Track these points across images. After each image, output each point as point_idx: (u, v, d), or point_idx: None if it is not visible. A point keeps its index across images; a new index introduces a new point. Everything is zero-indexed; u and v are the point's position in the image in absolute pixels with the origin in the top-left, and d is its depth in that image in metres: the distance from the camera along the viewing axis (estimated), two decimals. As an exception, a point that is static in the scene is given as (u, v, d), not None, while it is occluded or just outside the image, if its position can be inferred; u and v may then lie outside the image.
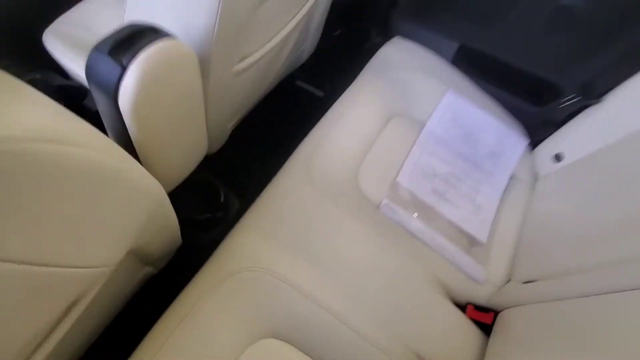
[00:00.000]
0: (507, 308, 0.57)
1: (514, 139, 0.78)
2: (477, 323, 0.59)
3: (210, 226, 0.74)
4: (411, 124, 0.75)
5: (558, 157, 0.71)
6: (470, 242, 0.68)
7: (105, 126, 0.51)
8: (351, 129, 0.69)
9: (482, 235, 0.67)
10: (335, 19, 0.91)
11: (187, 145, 0.55)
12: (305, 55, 0.97)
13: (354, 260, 0.56)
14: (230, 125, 0.76)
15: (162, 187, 0.42)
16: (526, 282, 0.57)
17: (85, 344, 0.55)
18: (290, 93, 1.16)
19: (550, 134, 0.75)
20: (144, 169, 0.38)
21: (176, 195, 0.71)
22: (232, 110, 0.69)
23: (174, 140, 0.50)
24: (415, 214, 0.65)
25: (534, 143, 0.79)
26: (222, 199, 0.72)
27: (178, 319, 0.47)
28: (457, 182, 0.71)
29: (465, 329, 0.57)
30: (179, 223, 0.57)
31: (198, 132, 0.57)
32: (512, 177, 0.75)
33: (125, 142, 0.47)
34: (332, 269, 0.54)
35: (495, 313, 0.59)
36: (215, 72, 0.51)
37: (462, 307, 0.61)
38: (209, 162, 0.80)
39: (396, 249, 0.59)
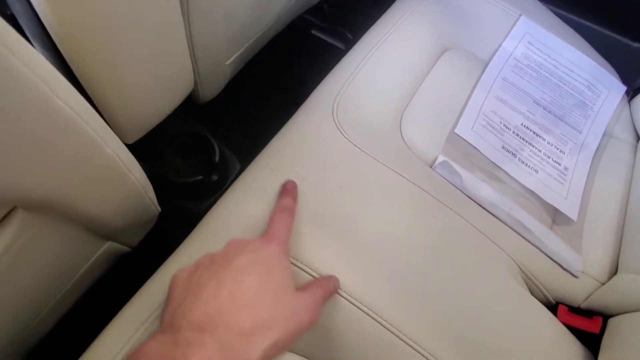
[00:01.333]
0: (626, 312, 0.39)
1: (609, 84, 0.58)
2: (574, 332, 0.41)
3: (203, 193, 0.57)
4: (470, 60, 0.56)
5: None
6: (553, 220, 0.49)
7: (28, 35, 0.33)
8: (390, 63, 0.50)
9: (571, 209, 0.48)
10: None
11: (157, 67, 0.38)
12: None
13: (403, 239, 0.38)
14: (227, 62, 0.57)
15: (93, 114, 0.24)
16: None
17: (26, 333, 0.38)
18: (304, 44, 0.96)
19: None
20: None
21: (154, 152, 0.54)
22: (227, 36, 0.50)
23: (130, 53, 0.32)
24: (483, 179, 0.47)
25: (634, 90, 0.59)
26: (217, 158, 0.54)
27: (142, 316, 0.31)
28: (535, 138, 0.52)
29: (563, 341, 0.39)
30: (158, 186, 0.40)
31: (175, 49, 0.39)
32: (606, 135, 0.55)
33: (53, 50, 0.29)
34: (377, 253, 0.36)
35: (604, 319, 0.41)
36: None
37: (550, 308, 0.43)
38: (201, 115, 0.62)
39: (465, 224, 0.41)
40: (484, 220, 0.43)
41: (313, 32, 0.97)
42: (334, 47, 0.97)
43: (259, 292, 0.25)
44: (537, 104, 0.55)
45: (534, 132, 0.53)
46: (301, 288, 0.29)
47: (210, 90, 0.58)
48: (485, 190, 0.45)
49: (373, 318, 0.33)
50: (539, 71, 0.57)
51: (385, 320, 0.33)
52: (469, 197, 0.45)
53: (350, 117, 0.45)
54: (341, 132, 0.43)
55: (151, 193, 0.40)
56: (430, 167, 0.46)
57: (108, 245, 0.41)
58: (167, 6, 0.34)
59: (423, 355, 0.33)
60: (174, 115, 0.49)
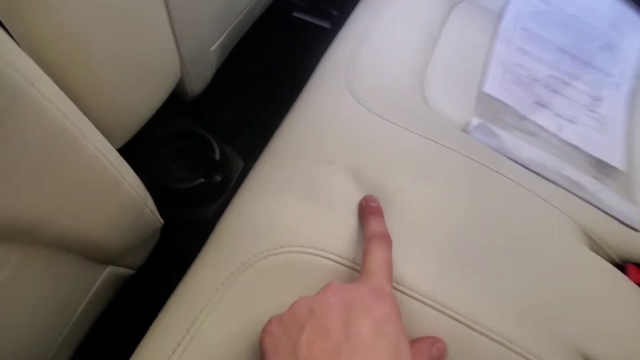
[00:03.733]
0: None
1: (632, 22, 0.54)
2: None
3: (208, 198, 0.50)
4: (482, 12, 0.51)
5: None
6: (600, 173, 0.44)
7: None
8: (403, 19, 0.45)
9: (617, 159, 0.44)
10: None
11: (139, 56, 0.31)
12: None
13: (454, 210, 0.32)
14: (212, 47, 0.51)
15: (79, 116, 0.18)
16: None
17: None
18: (289, 28, 0.90)
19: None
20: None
21: (146, 156, 0.48)
22: (209, 14, 0.44)
23: (107, 43, 0.25)
24: (523, 138, 0.42)
25: (660, 25, 0.54)
26: (217, 156, 0.48)
27: (172, 344, 0.25)
28: (566, 88, 0.47)
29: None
30: (156, 195, 0.34)
31: (156, 30, 0.32)
32: (637, 77, 0.51)
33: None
34: (422, 231, 0.31)
35: (682, 274, 0.36)
36: None
37: (618, 268, 0.38)
38: (194, 113, 0.55)
39: (517, 188, 0.35)
40: (533, 182, 0.38)
41: (295, 14, 0.90)
42: (320, 28, 0.91)
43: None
44: (562, 51, 0.50)
45: (564, 82, 0.48)
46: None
47: (198, 82, 0.52)
48: (528, 149, 0.40)
49: (441, 311, 0.28)
50: (558, 16, 0.52)
51: (451, 310, 0.28)
52: (512, 158, 0.40)
53: (367, 86, 0.39)
54: (358, 102, 0.37)
55: (150, 202, 0.34)
56: (463, 129, 0.40)
57: (109, 270, 0.35)
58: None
59: (499, 343, 0.28)
60: (164, 116, 0.43)
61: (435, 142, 0.36)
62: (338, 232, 0.29)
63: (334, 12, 0.88)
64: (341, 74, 0.39)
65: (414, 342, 0.26)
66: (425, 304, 0.27)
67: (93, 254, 0.29)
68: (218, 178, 0.49)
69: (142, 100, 0.37)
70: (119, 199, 0.26)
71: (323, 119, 0.36)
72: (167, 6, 0.35)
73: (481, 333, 0.28)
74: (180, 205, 0.49)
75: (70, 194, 0.21)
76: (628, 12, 0.54)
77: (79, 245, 0.27)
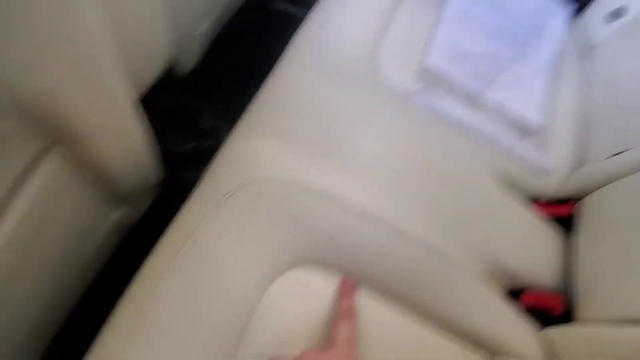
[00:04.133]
0: (590, 193, 0.45)
1: (557, 3, 0.63)
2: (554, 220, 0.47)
3: (200, 160, 0.58)
4: (431, -2, 0.59)
5: (618, 13, 0.57)
6: (522, 130, 0.54)
7: None
8: (360, 4, 0.53)
9: (537, 118, 0.54)
10: None
11: (135, 29, 0.39)
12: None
13: (394, 153, 0.42)
14: (199, 31, 0.59)
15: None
16: (612, 157, 0.44)
17: (48, 308, 0.40)
18: (266, 20, 0.97)
19: (603, -11, 0.60)
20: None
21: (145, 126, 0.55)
22: (198, 3, 0.52)
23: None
24: (456, 101, 0.51)
25: (580, 7, 0.64)
26: (203, 124, 0.56)
27: (170, 254, 0.33)
28: (499, 61, 0.57)
29: (541, 226, 0.45)
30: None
31: (149, 9, 0.40)
32: (560, 51, 0.61)
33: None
34: (367, 166, 0.40)
35: (574, 203, 0.47)
36: None
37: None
38: (183, 87, 0.63)
39: (444, 140, 0.45)
40: (461, 138, 0.47)
41: (273, 5, 0.97)
42: (296, 17, 0.99)
43: None
44: (498, 29, 0.59)
45: (497, 55, 0.57)
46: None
47: (188, 58, 0.60)
48: (459, 111, 0.50)
49: (377, 220, 0.37)
50: (491, 1, 0.61)
51: (387, 222, 0.37)
52: (446, 117, 0.49)
53: (330, 57, 0.47)
54: (324, 71, 0.46)
55: (154, 155, 0.42)
56: (407, 95, 0.50)
57: (121, 210, 0.43)
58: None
59: (424, 248, 0.37)
60: (163, 90, 0.50)
61: (381, 102, 0.45)
62: (299, 162, 0.38)
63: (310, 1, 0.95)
64: (308, 47, 0.48)
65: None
66: (368, 215, 0.37)
67: (110, 188, 0.38)
68: (207, 143, 0.57)
69: (142, 69, 0.45)
70: (132, 137, 0.34)
71: (293, 81, 0.44)
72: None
73: (411, 240, 0.37)
74: (178, 167, 0.58)
75: (102, 118, 0.29)
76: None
77: (103, 174, 0.35)
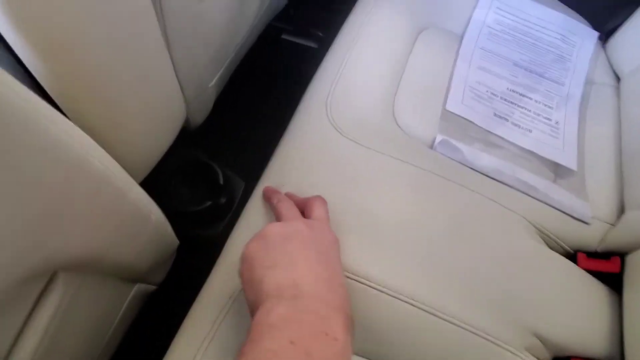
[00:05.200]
0: (638, 246, 0.41)
1: (582, 33, 0.60)
2: (596, 275, 0.43)
3: (215, 217, 0.57)
4: (446, 36, 0.57)
5: (650, 41, 0.53)
6: (555, 173, 0.51)
7: None
8: (371, 55, 0.51)
9: (569, 160, 0.50)
10: None
11: (150, 99, 0.38)
12: (286, -6, 0.78)
13: (420, 219, 0.39)
14: (211, 84, 0.58)
15: (118, 167, 0.25)
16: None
17: None
18: (278, 51, 0.97)
19: (629, 15, 0.57)
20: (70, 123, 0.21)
21: (160, 186, 0.55)
22: (208, 57, 0.51)
23: (121, 85, 0.32)
24: (482, 149, 0.48)
25: (607, 33, 0.61)
26: (221, 180, 0.55)
27: (195, 346, 0.31)
28: (523, 100, 0.54)
29: (588, 286, 0.41)
30: (172, 220, 0.40)
31: (164, 79, 0.39)
32: (587, 83, 0.57)
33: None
34: (393, 238, 0.37)
35: (621, 258, 0.43)
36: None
37: (570, 258, 0.45)
38: (196, 140, 0.62)
39: (473, 195, 0.42)
40: (491, 188, 0.44)
41: (284, 36, 0.97)
42: (308, 48, 0.98)
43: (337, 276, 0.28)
44: (518, 65, 0.56)
45: (520, 94, 0.54)
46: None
47: (200, 114, 0.59)
48: (486, 159, 0.47)
49: (408, 303, 0.34)
50: (513, 34, 0.58)
51: (419, 302, 0.34)
52: (473, 169, 0.46)
53: (345, 115, 0.46)
54: (339, 132, 0.44)
55: (169, 227, 0.41)
56: (430, 147, 0.47)
57: (137, 287, 0.42)
58: (150, 41, 0.35)
59: (461, 327, 0.34)
60: (172, 146, 0.49)
61: (402, 161, 0.43)
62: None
63: (320, 34, 0.95)
64: (322, 106, 0.46)
65: None
66: (397, 298, 0.34)
67: (125, 275, 0.36)
68: (223, 200, 0.55)
69: (157, 137, 0.44)
70: (148, 230, 0.32)
71: (308, 148, 0.43)
72: (171, 58, 0.42)
73: (446, 320, 0.34)
74: (192, 226, 0.56)
75: (111, 232, 0.28)
76: (577, 24, 0.60)
77: (115, 269, 0.33)
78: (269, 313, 0.22)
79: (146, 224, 0.31)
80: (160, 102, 0.41)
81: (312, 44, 0.97)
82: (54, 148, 0.19)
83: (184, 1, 0.39)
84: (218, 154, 0.67)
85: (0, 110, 0.15)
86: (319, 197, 0.36)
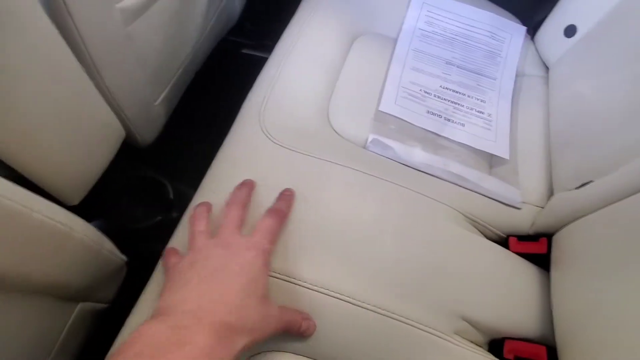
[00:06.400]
0: (563, 227, 0.43)
1: (510, 29, 0.63)
2: (528, 257, 0.45)
3: (167, 232, 0.58)
4: (380, 41, 0.60)
5: (569, 31, 0.56)
6: (490, 163, 0.53)
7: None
8: (307, 62, 0.54)
9: (502, 150, 0.53)
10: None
11: (76, 127, 0.39)
12: (237, 7, 0.80)
13: (352, 220, 0.40)
14: (156, 102, 0.59)
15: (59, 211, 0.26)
16: (580, 187, 0.43)
17: None
18: (238, 65, 0.99)
19: (551, 8, 0.60)
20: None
21: (109, 204, 0.55)
22: (146, 77, 0.52)
23: (39, 120, 0.33)
24: (415, 145, 0.50)
25: (534, 27, 0.64)
26: (171, 195, 0.56)
27: None
28: (456, 96, 0.56)
29: (516, 268, 0.43)
30: (121, 236, 0.41)
31: (90, 103, 0.40)
32: (518, 76, 0.60)
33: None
34: (326, 239, 0.39)
35: (549, 238, 0.44)
36: (79, 4, 0.34)
37: (503, 243, 0.46)
38: (148, 158, 0.63)
39: (403, 191, 0.44)
40: (422, 183, 0.46)
41: (244, 51, 1.00)
42: (264, 60, 1.00)
43: (246, 297, 0.28)
44: (450, 64, 0.59)
45: (453, 91, 0.57)
46: (279, 305, 0.32)
47: (149, 132, 0.60)
48: (417, 155, 0.49)
49: (335, 297, 0.35)
50: (444, 34, 0.61)
51: (345, 296, 0.36)
52: (406, 165, 0.48)
53: (278, 123, 0.47)
54: (271, 139, 0.45)
55: (108, 245, 0.42)
56: (364, 147, 0.49)
57: (81, 306, 0.42)
58: (65, 71, 0.36)
59: (388, 317, 0.35)
60: (118, 165, 0.50)
61: (334, 162, 0.44)
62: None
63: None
64: (255, 115, 0.48)
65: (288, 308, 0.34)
66: (320, 292, 0.35)
67: (61, 294, 0.37)
68: (175, 214, 0.56)
69: (91, 160, 0.45)
70: (72, 248, 0.33)
71: (241, 156, 0.44)
72: (103, 81, 0.43)
73: (373, 311, 0.36)
74: (145, 242, 0.57)
75: (28, 251, 0.29)
76: (505, 21, 0.63)
77: (46, 287, 0.34)
78: (131, 335, 0.24)
79: (67, 241, 0.32)
80: (90, 126, 0.42)
81: (268, 55, 0.99)
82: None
83: (108, 26, 0.41)
84: (173, 169, 0.68)
85: None
86: (273, 210, 0.37)
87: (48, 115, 0.35)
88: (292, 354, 0.35)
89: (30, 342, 0.36)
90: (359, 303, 0.36)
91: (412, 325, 0.36)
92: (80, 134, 0.40)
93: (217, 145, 0.79)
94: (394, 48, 0.59)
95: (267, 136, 0.45)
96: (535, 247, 0.44)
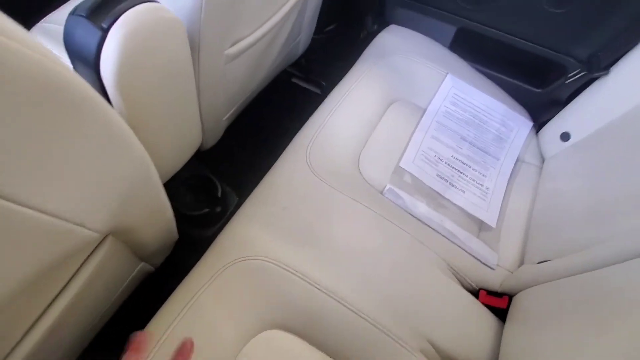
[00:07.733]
0: (522, 290, 0.54)
1: (519, 122, 0.76)
2: (492, 309, 0.56)
3: (209, 222, 0.71)
4: (412, 109, 0.73)
5: (565, 137, 0.69)
6: (479, 228, 0.65)
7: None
8: (350, 115, 0.67)
9: (491, 219, 0.64)
10: (329, 10, 0.91)
11: (179, 131, 0.53)
12: (300, 49, 0.96)
13: (359, 245, 0.53)
14: (224, 118, 0.74)
15: (145, 152, 0.39)
16: (541, 262, 0.54)
17: (78, 344, 0.51)
18: (286, 91, 1.15)
19: (555, 114, 0.73)
20: (121, 120, 0.35)
21: (171, 191, 0.69)
22: (225, 99, 0.67)
23: (164, 123, 0.47)
24: (421, 200, 0.63)
25: (539, 125, 0.77)
26: (219, 194, 0.69)
27: (176, 311, 0.44)
28: (463, 166, 0.69)
29: (479, 315, 0.54)
30: (176, 219, 0.54)
31: (191, 117, 0.55)
32: (518, 161, 0.72)
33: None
34: (336, 255, 0.51)
35: (510, 297, 0.56)
36: (205, 51, 0.49)
37: (474, 293, 0.58)
38: (204, 158, 0.77)
39: (403, 234, 0.56)
40: (420, 231, 0.58)
41: (293, 80, 1.15)
42: (311, 92, 1.16)
43: None
44: (464, 139, 0.72)
45: (461, 162, 0.69)
46: None
47: (211, 140, 0.74)
48: (421, 208, 0.61)
49: (337, 300, 0.47)
50: (463, 115, 0.74)
51: (344, 301, 0.48)
52: (411, 215, 0.60)
53: (320, 160, 0.61)
54: (313, 173, 0.59)
55: (174, 223, 0.55)
56: (381, 193, 0.62)
57: (142, 265, 0.55)
58: (188, 92, 0.50)
59: (370, 323, 0.47)
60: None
61: (356, 201, 0.57)
62: (283, 248, 0.49)
63: (323, 83, 1.13)
64: (303, 151, 0.61)
65: None
66: (329, 295, 0.47)
67: (140, 251, 0.50)
68: (218, 209, 0.69)
69: (178, 156, 0.58)
70: (165, 218, 0.46)
71: (287, 180, 0.57)
72: (199, 102, 0.58)
73: (359, 315, 0.47)
74: (189, 227, 0.70)
75: (140, 208, 0.42)
76: (516, 115, 0.77)
77: (139, 242, 0.47)
78: None
79: (164, 213, 0.45)
80: (185, 132, 0.56)
81: (316, 90, 1.15)
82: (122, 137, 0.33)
83: (214, 63, 0.55)
84: (221, 172, 0.81)
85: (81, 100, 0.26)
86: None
87: (166, 120, 0.49)
88: (292, 334, 0.47)
89: (112, 282, 0.49)
90: (355, 310, 0.48)
91: (386, 334, 0.47)
92: (179, 135, 0.54)
93: (259, 156, 0.93)
94: (421, 117, 0.72)
95: (311, 170, 0.58)
96: (498, 302, 0.55)
